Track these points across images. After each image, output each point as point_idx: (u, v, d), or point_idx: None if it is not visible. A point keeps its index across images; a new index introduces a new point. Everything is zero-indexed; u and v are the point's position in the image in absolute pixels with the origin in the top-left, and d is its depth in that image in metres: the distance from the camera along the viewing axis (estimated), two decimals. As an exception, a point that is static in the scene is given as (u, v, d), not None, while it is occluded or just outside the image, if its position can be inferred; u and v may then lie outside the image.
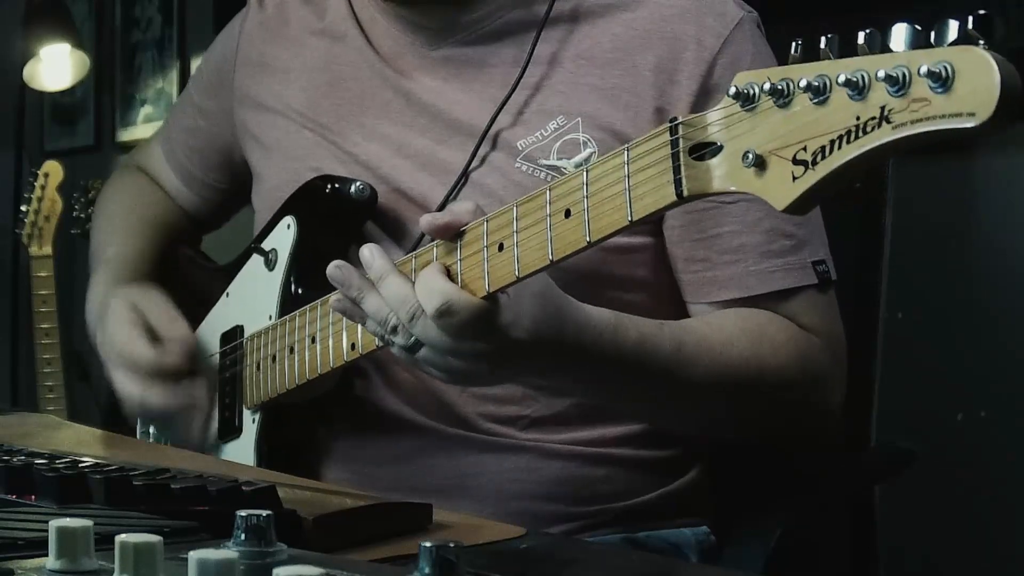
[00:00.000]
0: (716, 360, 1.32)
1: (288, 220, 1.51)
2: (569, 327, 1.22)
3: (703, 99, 1.37)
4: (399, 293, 1.19)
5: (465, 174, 1.42)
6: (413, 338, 1.19)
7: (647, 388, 1.32)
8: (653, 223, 1.41)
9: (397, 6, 1.49)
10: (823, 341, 1.39)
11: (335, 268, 1.25)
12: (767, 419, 1.40)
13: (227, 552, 0.65)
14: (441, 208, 1.40)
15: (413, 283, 1.19)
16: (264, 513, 0.71)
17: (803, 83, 0.90)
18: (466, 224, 1.18)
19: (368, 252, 1.23)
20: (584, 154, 1.38)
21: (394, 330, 1.20)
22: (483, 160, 1.42)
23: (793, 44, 0.96)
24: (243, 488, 0.95)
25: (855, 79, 0.87)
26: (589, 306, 1.25)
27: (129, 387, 1.54)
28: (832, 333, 1.41)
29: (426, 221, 1.20)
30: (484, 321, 1.16)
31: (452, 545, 0.67)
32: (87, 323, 1.67)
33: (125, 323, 1.56)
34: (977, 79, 0.82)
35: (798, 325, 1.38)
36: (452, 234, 1.18)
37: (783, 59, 0.96)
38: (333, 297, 1.29)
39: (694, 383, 1.31)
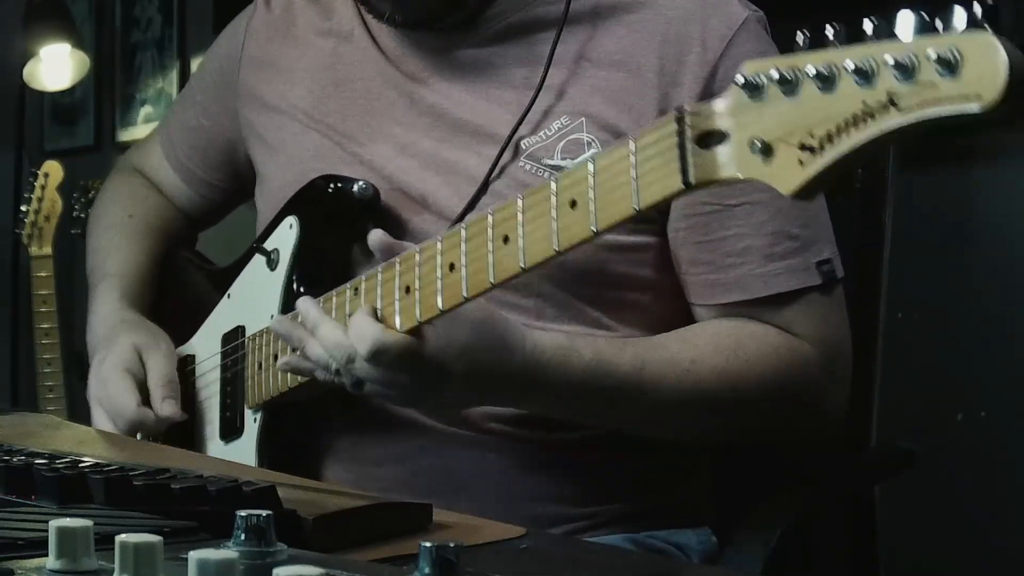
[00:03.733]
0: (683, 378, 1.33)
1: (290, 220, 1.51)
2: (515, 355, 1.27)
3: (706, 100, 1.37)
4: (333, 339, 1.27)
5: (486, 184, 1.41)
6: (355, 377, 1.27)
7: (604, 407, 1.35)
8: (657, 222, 1.41)
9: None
10: (816, 349, 1.39)
11: (278, 323, 1.38)
12: (751, 428, 1.41)
13: (227, 552, 0.65)
14: (461, 218, 1.40)
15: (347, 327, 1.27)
16: (264, 513, 0.71)
17: (810, 71, 0.90)
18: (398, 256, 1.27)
19: (302, 304, 1.34)
20: (588, 154, 1.38)
21: (338, 372, 1.29)
22: (484, 157, 1.42)
23: (800, 35, 0.96)
24: (243, 488, 0.95)
25: (863, 66, 0.86)
26: (541, 332, 1.31)
27: (104, 427, 1.57)
28: (829, 339, 1.40)
29: (376, 238, 1.31)
30: (413, 354, 1.24)
31: (452, 545, 0.67)
32: (88, 338, 1.67)
33: (123, 371, 1.56)
34: (984, 63, 0.81)
35: (793, 332, 1.38)
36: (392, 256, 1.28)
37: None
38: (281, 360, 1.39)
39: (661, 400, 1.33)
